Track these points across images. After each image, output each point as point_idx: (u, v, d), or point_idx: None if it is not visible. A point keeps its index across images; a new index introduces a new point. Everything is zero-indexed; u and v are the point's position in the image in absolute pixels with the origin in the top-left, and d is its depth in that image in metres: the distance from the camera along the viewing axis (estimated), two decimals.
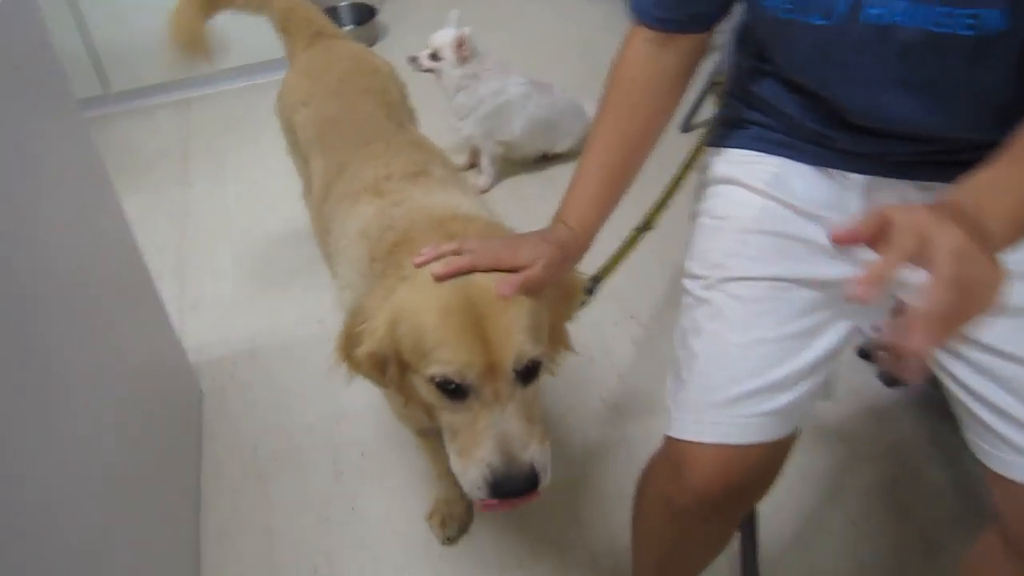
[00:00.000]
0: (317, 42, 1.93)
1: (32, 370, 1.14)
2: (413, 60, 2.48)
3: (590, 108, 2.82)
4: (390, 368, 1.08)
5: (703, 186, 1.31)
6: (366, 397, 2.04)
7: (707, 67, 2.72)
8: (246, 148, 3.07)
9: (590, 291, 1.51)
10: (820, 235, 1.15)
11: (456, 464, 1.05)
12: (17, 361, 1.09)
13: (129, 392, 1.60)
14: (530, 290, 1.04)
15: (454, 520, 1.76)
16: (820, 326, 1.13)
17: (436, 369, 1.00)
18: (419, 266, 1.06)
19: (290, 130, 1.85)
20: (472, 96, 2.56)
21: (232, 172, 2.96)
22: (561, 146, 2.75)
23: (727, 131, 1.28)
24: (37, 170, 1.32)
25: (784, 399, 1.09)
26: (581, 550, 1.73)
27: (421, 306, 1.03)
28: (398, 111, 1.83)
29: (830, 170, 1.17)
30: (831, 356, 1.14)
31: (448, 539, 1.76)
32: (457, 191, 1.38)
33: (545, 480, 1.03)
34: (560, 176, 2.73)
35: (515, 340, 1.00)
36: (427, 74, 2.56)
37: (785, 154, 1.19)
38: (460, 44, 2.47)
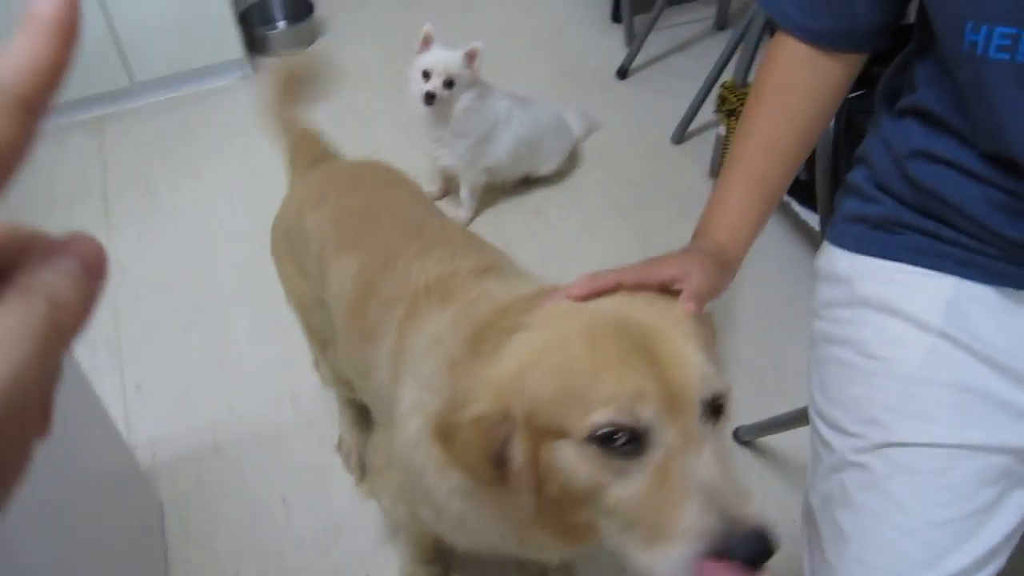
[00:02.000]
0: (321, 161, 1.72)
1: None
2: (431, 97, 2.11)
3: (575, 123, 2.53)
4: (512, 446, 0.80)
5: (834, 303, 1.04)
6: (363, 501, 1.73)
7: (710, 65, 2.46)
8: (179, 177, 2.65)
9: None
10: (1009, 390, 0.91)
11: (641, 554, 0.74)
12: None
13: (63, 516, 1.26)
14: (701, 304, 0.85)
15: None
16: (1000, 498, 0.91)
17: (598, 416, 0.73)
18: (571, 296, 0.85)
19: (297, 246, 1.54)
20: (481, 119, 2.23)
21: (165, 209, 2.55)
22: (545, 168, 2.45)
23: (868, 232, 1.01)
24: None
25: None
26: None
27: (560, 339, 0.80)
28: (430, 203, 1.59)
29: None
30: (1012, 535, 0.92)
31: None
32: (532, 281, 1.12)
33: (777, 547, 0.71)
34: (547, 205, 2.44)
35: (696, 361, 0.77)
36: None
37: (962, 273, 0.94)
38: (473, 58, 2.14)
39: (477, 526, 1.03)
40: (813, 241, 2.21)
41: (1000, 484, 0.90)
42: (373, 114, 2.82)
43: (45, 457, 1.01)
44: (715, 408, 0.77)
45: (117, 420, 1.92)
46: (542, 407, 0.77)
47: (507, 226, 2.39)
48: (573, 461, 0.76)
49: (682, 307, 0.84)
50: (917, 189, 0.94)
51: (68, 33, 0.30)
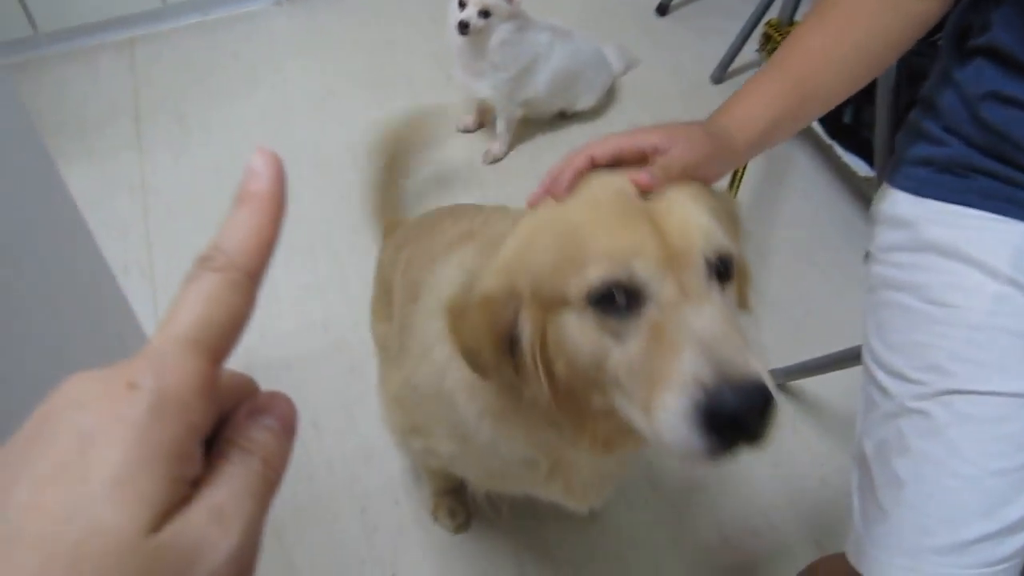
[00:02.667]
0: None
1: None
2: (465, 26, 2.06)
3: (614, 59, 2.48)
4: (520, 324, 0.79)
5: (896, 246, 1.01)
6: None
7: (754, 2, 2.39)
8: (212, 103, 2.61)
9: None
10: None
11: (643, 417, 0.71)
12: None
13: None
14: (670, 176, 0.78)
15: (460, 507, 1.62)
16: None
17: (593, 273, 0.71)
18: (534, 201, 0.82)
19: (386, 303, 1.49)
20: (519, 52, 2.18)
21: (196, 134, 2.52)
22: (583, 103, 2.41)
23: (935, 175, 0.98)
24: None
25: (1017, 543, 0.87)
26: None
27: (560, 211, 0.78)
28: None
29: None
30: None
31: (460, 527, 1.63)
32: None
33: (776, 411, 0.67)
34: (583, 141, 2.38)
35: (699, 218, 0.74)
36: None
37: None
38: None
39: (507, 450, 0.99)
40: (854, 186, 2.17)
41: None
42: (408, 45, 2.77)
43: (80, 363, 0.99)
44: (721, 269, 0.74)
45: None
46: (545, 276, 0.75)
47: (542, 161, 2.35)
48: (575, 329, 0.74)
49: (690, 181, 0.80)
50: (988, 131, 0.92)
51: (280, 208, 0.36)
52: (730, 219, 0.82)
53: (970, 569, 0.86)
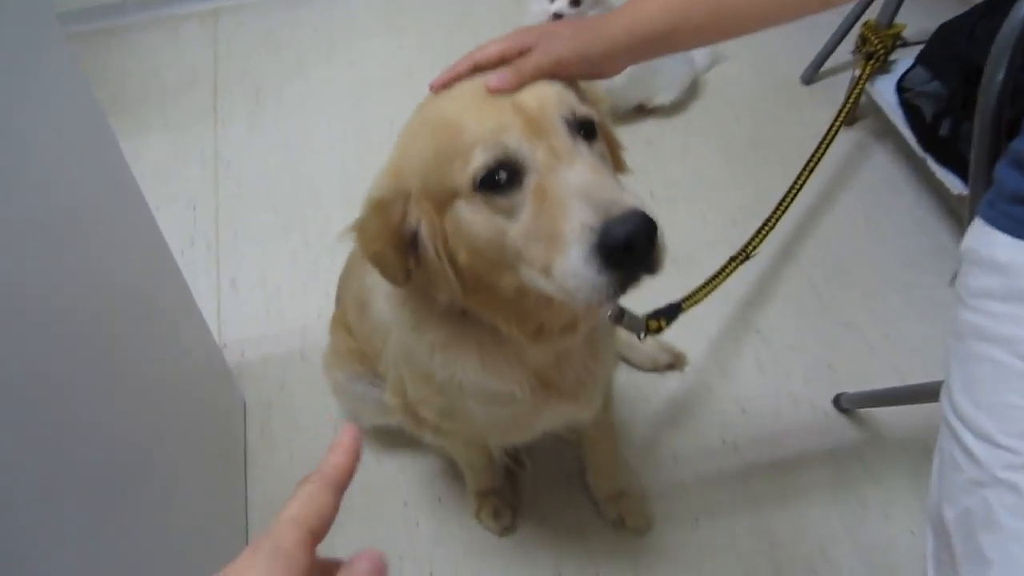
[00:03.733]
0: None
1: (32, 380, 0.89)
2: (559, 17, 2.00)
3: (699, 53, 2.40)
4: (417, 224, 0.87)
5: (989, 294, 0.92)
6: None
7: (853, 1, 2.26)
8: (288, 78, 2.62)
9: (670, 319, 1.35)
10: None
11: (546, 279, 0.79)
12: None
13: (150, 407, 1.28)
14: (522, 77, 0.86)
15: (505, 507, 1.59)
16: None
17: (472, 160, 0.80)
18: (437, 87, 0.92)
19: None
20: None
21: (271, 107, 2.53)
22: (662, 97, 2.32)
23: None
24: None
25: None
26: None
27: (432, 109, 0.89)
28: None
29: None
30: None
31: (506, 529, 1.59)
32: None
33: (662, 234, 0.76)
34: (659, 137, 2.31)
35: (551, 88, 0.86)
36: None
37: None
38: None
39: (470, 381, 1.05)
40: (947, 205, 2.04)
41: None
42: (489, 26, 2.71)
43: (138, 345, 1.00)
44: (584, 129, 0.84)
45: (210, 315, 1.95)
46: (430, 172, 0.84)
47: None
48: (469, 215, 0.83)
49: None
50: None
51: (345, 487, 0.51)
52: (589, 96, 0.92)
53: None
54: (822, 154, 1.95)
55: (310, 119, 2.48)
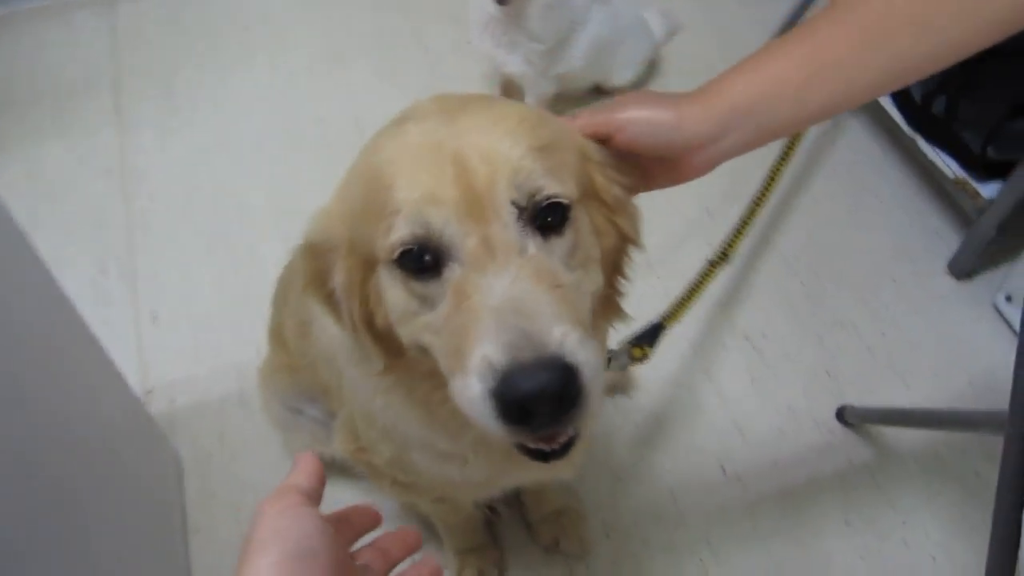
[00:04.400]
0: None
1: None
2: (504, 2, 1.78)
3: (656, 24, 2.19)
4: (335, 274, 0.76)
5: None
6: None
7: None
8: (198, 71, 2.33)
9: (652, 342, 1.24)
10: None
11: (454, 390, 0.65)
12: None
13: (65, 473, 1.08)
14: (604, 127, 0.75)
15: (490, 566, 1.42)
16: None
17: (395, 231, 0.66)
18: None
19: None
20: (560, 19, 1.89)
21: (185, 108, 2.24)
22: (620, 77, 2.13)
23: None
24: None
25: None
26: None
27: (374, 152, 0.72)
28: None
29: None
30: None
31: None
32: None
33: (589, 390, 0.61)
34: None
35: (508, 155, 0.66)
36: None
37: None
38: None
39: (417, 436, 0.92)
40: (936, 187, 1.90)
41: None
42: (422, 4, 2.47)
43: (40, 408, 0.74)
44: (545, 219, 0.67)
45: (130, 357, 1.72)
46: (357, 226, 0.71)
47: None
48: (387, 285, 0.71)
49: (511, 105, 0.72)
50: None
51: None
52: (574, 152, 0.73)
53: None
54: (798, 138, 1.78)
55: (228, 118, 2.20)
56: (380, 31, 2.40)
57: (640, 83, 2.18)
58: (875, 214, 1.90)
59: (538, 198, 0.66)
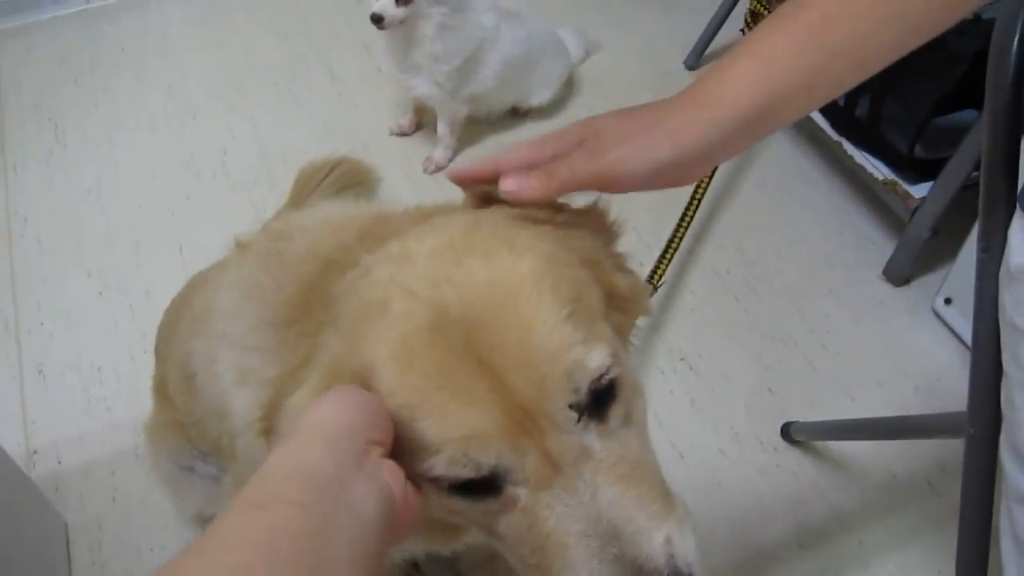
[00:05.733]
0: None
1: None
2: (379, 20, 1.68)
3: (572, 43, 2.13)
4: None
5: None
6: None
7: None
8: (92, 107, 2.19)
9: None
10: None
11: None
12: None
13: None
14: (551, 184, 0.62)
15: None
16: None
17: (437, 469, 0.53)
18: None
19: None
20: (461, 38, 1.80)
21: (74, 146, 2.09)
22: (538, 97, 2.05)
23: None
24: None
25: None
26: None
27: (371, 351, 0.55)
28: None
29: None
30: None
31: None
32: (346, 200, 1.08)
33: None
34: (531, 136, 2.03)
35: (552, 346, 0.54)
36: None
37: None
38: None
39: None
40: (866, 192, 1.84)
41: None
42: (329, 29, 2.37)
43: None
44: (600, 396, 0.56)
45: (12, 415, 1.58)
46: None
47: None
48: (439, 504, 0.58)
49: (528, 260, 0.57)
50: None
51: None
52: (584, 270, 0.62)
53: None
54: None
55: (122, 154, 2.06)
56: (284, 59, 2.30)
57: (559, 102, 2.11)
58: (806, 224, 1.85)
59: (593, 386, 0.55)
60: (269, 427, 0.64)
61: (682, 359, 1.62)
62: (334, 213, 0.86)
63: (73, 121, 2.14)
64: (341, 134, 2.05)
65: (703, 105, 0.63)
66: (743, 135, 0.64)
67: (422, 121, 2.07)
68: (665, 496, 0.57)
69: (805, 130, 1.97)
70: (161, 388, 1.26)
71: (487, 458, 0.53)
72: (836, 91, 0.66)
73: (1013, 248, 0.74)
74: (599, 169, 0.62)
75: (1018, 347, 0.74)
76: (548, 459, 0.54)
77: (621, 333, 0.67)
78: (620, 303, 0.65)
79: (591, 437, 0.56)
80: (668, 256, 1.63)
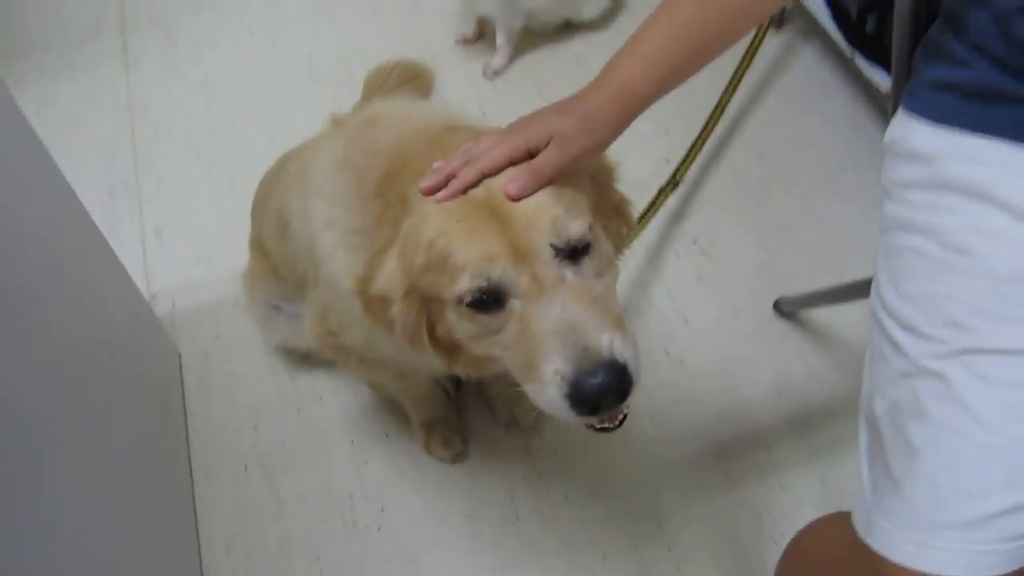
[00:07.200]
0: None
1: None
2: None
3: None
4: (407, 318, 0.93)
5: (911, 183, 0.90)
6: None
7: None
8: (199, 13, 2.49)
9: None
10: None
11: (529, 392, 0.86)
12: None
13: (85, 366, 1.25)
14: (541, 179, 0.86)
15: (454, 434, 1.59)
16: None
17: (459, 286, 0.84)
18: (427, 193, 0.89)
19: None
20: None
21: (184, 46, 2.41)
22: (589, 11, 2.26)
23: (958, 102, 0.86)
24: None
25: None
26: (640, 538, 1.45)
27: (428, 224, 0.87)
28: None
29: None
30: None
31: (458, 456, 1.59)
32: (435, 100, 1.30)
33: (637, 377, 0.83)
34: (589, 53, 2.25)
35: (544, 211, 0.84)
36: None
37: None
38: None
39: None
40: (877, 103, 2.02)
41: None
42: None
43: (57, 307, 0.93)
44: (575, 249, 0.85)
45: (136, 266, 1.89)
46: (428, 284, 0.88)
47: (544, 75, 2.22)
48: (456, 320, 0.89)
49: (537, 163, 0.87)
50: (1022, 51, 0.79)
51: None
52: (588, 182, 0.93)
53: (988, 544, 0.78)
54: (748, 62, 1.93)
55: (225, 55, 2.37)
56: None
57: (608, 17, 2.31)
58: (822, 131, 2.03)
59: (569, 239, 0.84)
60: (364, 290, 0.95)
61: (694, 242, 1.86)
62: (415, 114, 1.13)
63: (183, 26, 2.45)
64: (413, 42, 2.30)
65: (615, 92, 0.90)
66: (641, 108, 0.91)
67: (484, 31, 2.31)
68: (617, 321, 0.85)
69: (829, 48, 2.14)
70: (256, 243, 1.56)
71: (495, 272, 0.82)
72: (690, 73, 0.94)
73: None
74: (570, 159, 0.88)
75: (882, 207, 0.96)
76: (536, 281, 0.83)
77: (609, 232, 0.95)
78: (612, 211, 0.98)
79: (566, 272, 0.84)
80: (691, 155, 1.86)
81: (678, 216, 1.90)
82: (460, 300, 0.85)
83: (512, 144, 0.88)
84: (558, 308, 0.82)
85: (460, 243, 0.84)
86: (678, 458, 1.56)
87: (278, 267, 1.46)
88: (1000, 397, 0.79)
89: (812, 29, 2.19)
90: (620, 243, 1.01)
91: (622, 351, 0.82)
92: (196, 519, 1.55)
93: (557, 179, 0.87)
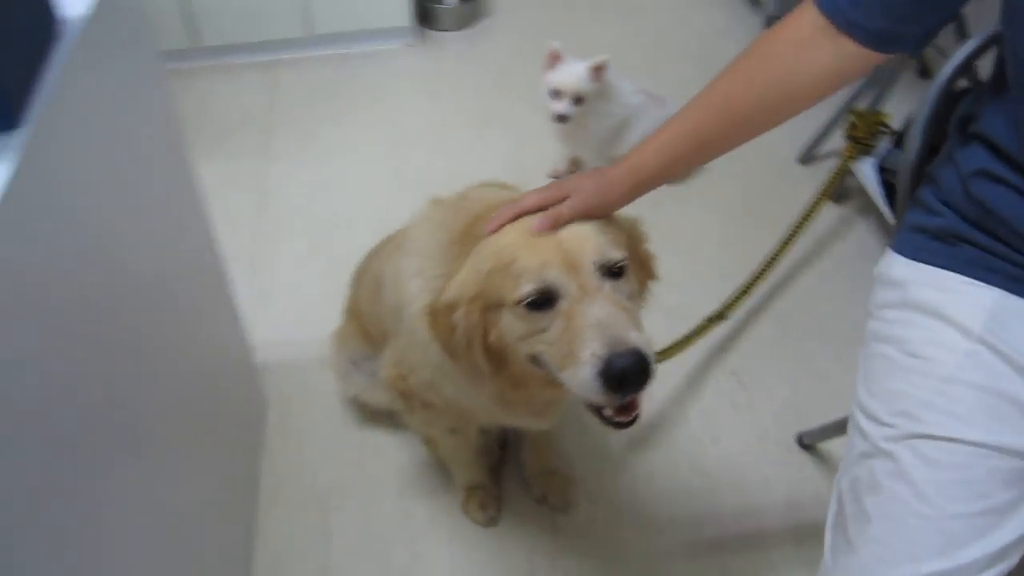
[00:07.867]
0: None
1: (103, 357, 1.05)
2: (562, 119, 2.33)
3: None
4: (470, 320, 1.10)
5: (887, 304, 1.11)
6: None
7: (847, 89, 2.50)
8: (334, 125, 2.90)
9: None
10: None
11: (566, 378, 1.02)
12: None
13: (190, 395, 1.46)
14: (560, 221, 1.07)
15: (490, 500, 1.78)
16: (1019, 501, 0.95)
17: (523, 286, 1.02)
18: (492, 232, 1.11)
19: None
20: (612, 118, 2.42)
21: (317, 151, 2.80)
22: None
23: (928, 242, 1.08)
24: (111, 121, 1.15)
25: None
26: None
27: (499, 241, 1.09)
28: None
29: None
30: None
31: (491, 520, 1.77)
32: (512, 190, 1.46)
33: (653, 363, 0.99)
34: (666, 200, 2.53)
35: (591, 239, 1.05)
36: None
37: (1008, 287, 1.00)
38: (599, 71, 2.30)
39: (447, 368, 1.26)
40: None
41: (1020, 487, 0.95)
42: (515, 92, 3.00)
43: (181, 340, 1.23)
44: (612, 271, 1.05)
45: (243, 319, 2.16)
46: (485, 287, 1.07)
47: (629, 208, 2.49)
48: (511, 321, 1.06)
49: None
50: (976, 205, 1.01)
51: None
52: (626, 236, 1.14)
53: None
54: (803, 221, 2.16)
55: (350, 161, 2.74)
56: (479, 109, 2.94)
57: (689, 178, 2.60)
58: (866, 296, 2.22)
59: (609, 261, 1.04)
60: (434, 305, 1.14)
61: (733, 373, 2.05)
62: (499, 192, 1.38)
63: (319, 133, 2.86)
64: (512, 171, 2.63)
65: (630, 168, 1.11)
66: (649, 182, 1.12)
67: (576, 169, 2.62)
68: (641, 327, 1.03)
69: (881, 222, 2.37)
70: (350, 307, 1.83)
71: (550, 276, 1.02)
72: (691, 165, 1.17)
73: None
74: (583, 209, 1.07)
75: (867, 326, 1.16)
76: (581, 288, 1.01)
77: (640, 282, 1.17)
78: (640, 264, 1.18)
79: (605, 284, 1.03)
80: (742, 295, 2.08)
81: (722, 348, 2.10)
82: (519, 301, 1.02)
83: (545, 195, 1.10)
84: (597, 308, 1.00)
85: (524, 252, 1.04)
86: (684, 550, 1.71)
87: (366, 324, 1.70)
88: (939, 477, 0.95)
89: (868, 207, 2.44)
90: (644, 290, 1.21)
91: (644, 345, 0.98)
92: (254, 539, 1.75)
93: (575, 221, 1.07)
